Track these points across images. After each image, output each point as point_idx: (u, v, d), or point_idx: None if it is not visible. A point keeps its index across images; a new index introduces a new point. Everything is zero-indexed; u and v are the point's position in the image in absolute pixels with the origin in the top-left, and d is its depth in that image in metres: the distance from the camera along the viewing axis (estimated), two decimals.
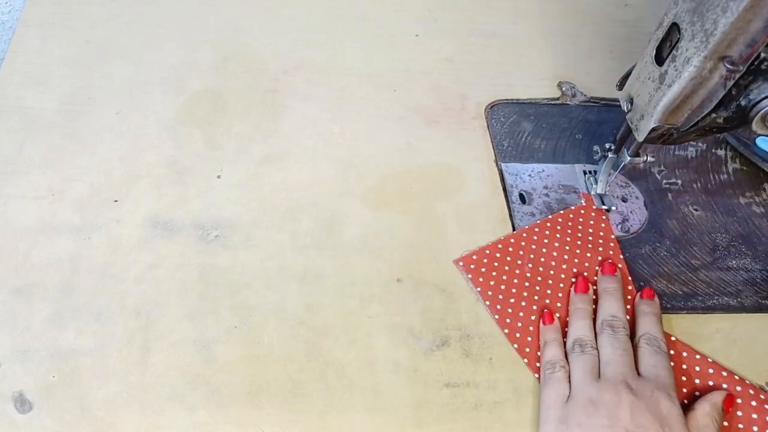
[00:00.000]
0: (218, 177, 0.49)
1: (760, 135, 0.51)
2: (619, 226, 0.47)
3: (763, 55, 0.33)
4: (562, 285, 0.44)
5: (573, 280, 0.44)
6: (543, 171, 0.50)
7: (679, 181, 0.50)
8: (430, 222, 0.47)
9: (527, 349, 0.41)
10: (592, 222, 0.47)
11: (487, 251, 0.45)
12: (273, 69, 0.56)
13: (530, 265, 0.44)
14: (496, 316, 0.42)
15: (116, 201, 0.47)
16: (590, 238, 0.46)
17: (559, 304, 0.43)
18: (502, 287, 0.44)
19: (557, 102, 0.55)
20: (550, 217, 0.47)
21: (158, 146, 0.51)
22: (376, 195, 0.49)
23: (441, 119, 0.53)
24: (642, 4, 0.63)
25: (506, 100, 0.55)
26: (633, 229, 0.47)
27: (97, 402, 0.39)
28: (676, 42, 0.35)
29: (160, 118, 0.52)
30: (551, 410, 0.38)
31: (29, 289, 0.43)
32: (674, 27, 0.36)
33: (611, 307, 0.41)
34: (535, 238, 0.46)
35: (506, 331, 0.42)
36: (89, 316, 0.42)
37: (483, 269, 0.44)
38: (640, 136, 0.40)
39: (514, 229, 0.47)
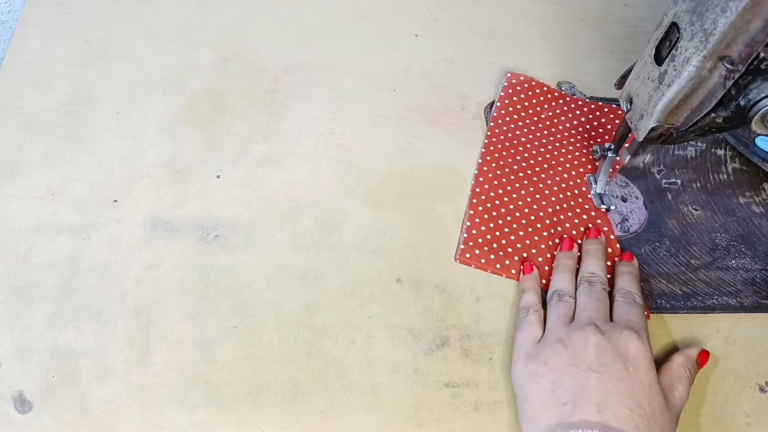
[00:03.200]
0: (218, 177, 0.49)
1: (759, 135, 0.51)
2: (619, 226, 0.47)
3: (762, 54, 0.33)
4: (546, 234, 0.46)
5: (558, 238, 0.46)
6: None
7: (679, 181, 0.50)
8: (430, 222, 0.47)
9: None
10: (576, 191, 0.49)
11: (474, 231, 0.46)
12: (273, 69, 0.56)
13: (517, 214, 0.47)
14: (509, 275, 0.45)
15: (116, 201, 0.47)
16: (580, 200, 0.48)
17: (540, 259, 0.45)
18: (501, 253, 0.45)
19: None
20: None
21: (158, 146, 0.51)
22: (376, 195, 0.49)
23: (441, 119, 0.54)
24: (642, 4, 0.63)
25: None
26: (632, 229, 0.47)
27: (97, 402, 0.39)
28: (676, 42, 0.35)
29: (160, 118, 0.52)
30: (522, 348, 0.40)
31: (29, 289, 0.43)
32: (673, 27, 0.36)
33: (592, 265, 0.43)
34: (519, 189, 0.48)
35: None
36: (89, 316, 0.42)
37: (480, 250, 0.45)
38: (640, 136, 0.40)
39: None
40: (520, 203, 0.47)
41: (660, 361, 0.39)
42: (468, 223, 0.46)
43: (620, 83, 0.42)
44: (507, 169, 0.49)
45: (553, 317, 0.40)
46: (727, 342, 0.42)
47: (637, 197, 0.49)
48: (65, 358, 0.40)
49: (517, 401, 0.38)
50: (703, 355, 0.40)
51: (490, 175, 0.48)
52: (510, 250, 0.45)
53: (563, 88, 0.55)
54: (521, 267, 0.44)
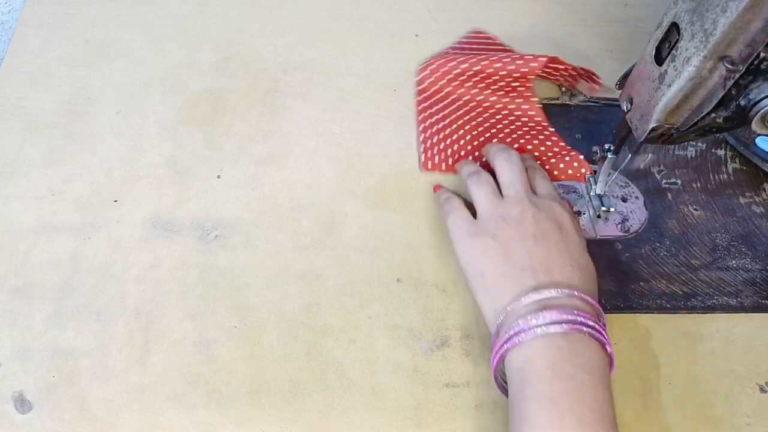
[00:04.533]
0: (218, 177, 0.49)
1: (759, 135, 0.51)
2: (619, 226, 0.47)
3: (762, 54, 0.33)
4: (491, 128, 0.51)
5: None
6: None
7: (679, 181, 0.50)
8: (430, 222, 0.47)
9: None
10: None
11: (427, 142, 0.51)
12: (273, 69, 0.56)
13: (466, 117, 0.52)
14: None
15: (116, 201, 0.47)
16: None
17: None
18: (462, 153, 0.50)
19: (557, 102, 0.55)
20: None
21: (158, 146, 0.51)
22: (376, 195, 0.49)
23: None
24: (642, 4, 0.63)
25: None
26: (633, 229, 0.47)
27: (97, 402, 0.39)
28: (676, 42, 0.35)
29: (160, 118, 0.52)
30: (462, 229, 0.42)
31: (29, 289, 0.43)
32: (674, 27, 0.36)
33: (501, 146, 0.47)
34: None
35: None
36: (89, 316, 0.42)
37: (440, 156, 0.50)
38: (640, 136, 0.40)
39: None
40: (465, 106, 0.52)
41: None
42: (422, 135, 0.51)
43: (621, 83, 0.42)
44: (449, 76, 0.53)
45: (482, 196, 0.43)
46: (727, 342, 0.42)
47: (637, 197, 0.49)
48: (65, 358, 0.40)
49: (470, 280, 0.41)
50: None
51: (432, 79, 0.53)
52: (464, 151, 0.50)
53: (563, 88, 0.55)
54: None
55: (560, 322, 0.35)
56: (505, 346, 0.36)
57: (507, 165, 0.44)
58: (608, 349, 0.36)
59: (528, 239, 0.39)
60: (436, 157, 0.49)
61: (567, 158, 0.49)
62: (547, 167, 0.48)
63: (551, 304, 0.36)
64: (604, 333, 0.36)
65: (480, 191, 0.43)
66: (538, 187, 0.44)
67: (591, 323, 0.36)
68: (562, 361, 0.34)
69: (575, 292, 0.37)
